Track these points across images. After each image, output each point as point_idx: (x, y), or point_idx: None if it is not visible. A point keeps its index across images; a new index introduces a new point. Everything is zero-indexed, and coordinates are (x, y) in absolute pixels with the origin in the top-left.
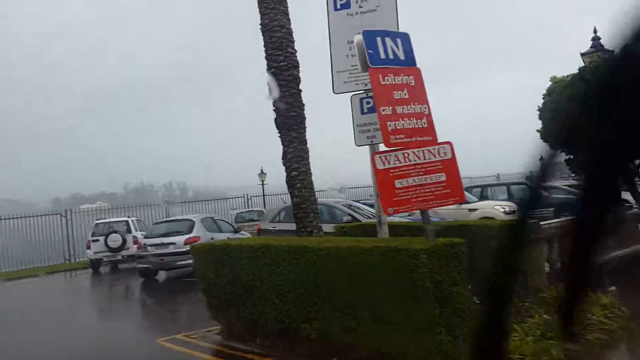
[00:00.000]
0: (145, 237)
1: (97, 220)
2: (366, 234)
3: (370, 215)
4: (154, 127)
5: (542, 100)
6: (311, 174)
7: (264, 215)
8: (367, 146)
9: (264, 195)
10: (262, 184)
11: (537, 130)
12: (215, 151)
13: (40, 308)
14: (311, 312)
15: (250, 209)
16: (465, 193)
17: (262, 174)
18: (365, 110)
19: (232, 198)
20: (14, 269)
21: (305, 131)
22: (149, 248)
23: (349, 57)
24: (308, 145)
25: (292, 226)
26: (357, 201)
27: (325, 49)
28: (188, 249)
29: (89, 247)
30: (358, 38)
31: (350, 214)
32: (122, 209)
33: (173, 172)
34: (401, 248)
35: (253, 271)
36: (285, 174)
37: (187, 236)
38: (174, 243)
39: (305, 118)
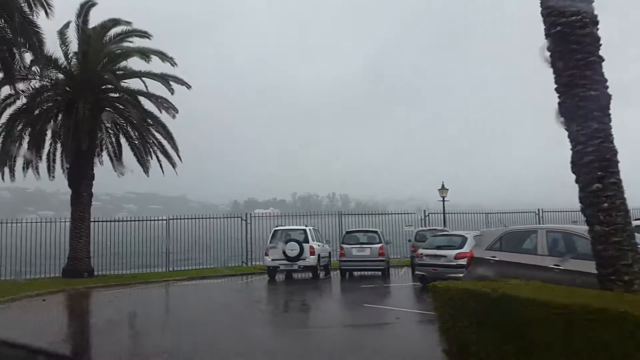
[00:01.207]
0: (424, 248)
1: (276, 227)
2: None
3: None
4: (327, 139)
5: None
6: (623, 189)
7: (478, 240)
8: None
9: (444, 213)
10: (443, 200)
11: None
12: (380, 165)
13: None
14: None
15: (433, 227)
16: None
17: (443, 189)
18: None
19: (407, 213)
20: (194, 267)
21: (611, 121)
22: (424, 258)
23: None
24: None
25: (521, 258)
26: None
27: None
28: (458, 263)
29: (267, 254)
30: None
31: None
32: (297, 217)
33: (336, 184)
34: None
35: (560, 346)
36: (578, 186)
37: (457, 251)
38: (445, 256)
39: (611, 100)
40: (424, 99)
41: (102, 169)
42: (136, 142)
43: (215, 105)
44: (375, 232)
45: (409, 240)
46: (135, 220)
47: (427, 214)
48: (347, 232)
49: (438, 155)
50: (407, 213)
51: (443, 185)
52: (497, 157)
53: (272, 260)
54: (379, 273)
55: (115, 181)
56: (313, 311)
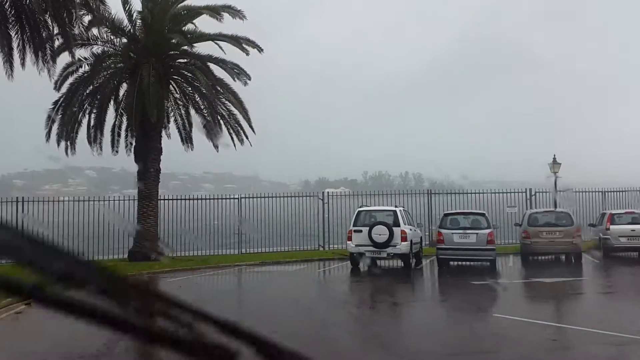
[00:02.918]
0: None
1: (360, 207)
2: None
3: None
4: (401, 117)
5: None
6: None
7: None
8: None
9: (556, 192)
10: (555, 177)
11: None
12: (456, 144)
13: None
14: None
15: (550, 209)
16: None
17: (555, 163)
18: None
19: (509, 192)
20: (267, 249)
21: None
22: None
23: None
24: None
25: None
26: None
27: None
28: None
29: (350, 239)
30: None
31: None
32: (378, 196)
33: (408, 163)
34: None
35: None
36: None
37: None
38: None
39: None
40: (511, 74)
41: (181, 147)
42: (205, 114)
43: (284, 81)
44: (482, 214)
45: (517, 224)
46: (205, 199)
47: (533, 192)
48: (446, 215)
49: (527, 133)
50: (509, 192)
51: (555, 159)
52: (603, 131)
53: (356, 245)
54: (486, 264)
55: (194, 160)
56: (427, 322)
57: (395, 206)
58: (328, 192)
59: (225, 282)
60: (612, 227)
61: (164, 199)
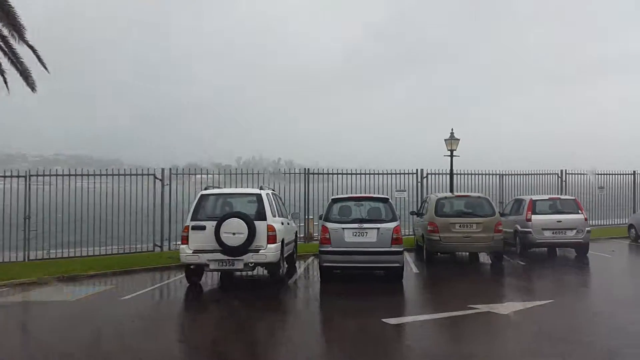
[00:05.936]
0: None
1: (205, 189)
2: None
3: None
4: (282, 106)
5: None
6: None
7: None
8: None
9: (452, 174)
10: (451, 155)
11: None
12: (331, 133)
13: None
14: None
15: (463, 193)
16: None
17: (452, 139)
18: None
19: (399, 174)
20: (77, 253)
21: None
22: None
23: None
24: None
25: None
26: None
27: None
28: None
29: (185, 241)
30: None
31: None
32: (243, 176)
33: (285, 151)
34: None
35: None
36: None
37: None
38: None
39: None
40: (396, 71)
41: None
42: None
43: (163, 63)
44: (385, 200)
45: (414, 213)
46: None
47: (425, 174)
48: (335, 200)
49: (409, 125)
50: (398, 173)
51: (452, 134)
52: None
53: (195, 252)
54: (382, 273)
55: (47, 140)
56: None
57: (261, 188)
58: (170, 170)
59: None
60: (534, 217)
61: None
